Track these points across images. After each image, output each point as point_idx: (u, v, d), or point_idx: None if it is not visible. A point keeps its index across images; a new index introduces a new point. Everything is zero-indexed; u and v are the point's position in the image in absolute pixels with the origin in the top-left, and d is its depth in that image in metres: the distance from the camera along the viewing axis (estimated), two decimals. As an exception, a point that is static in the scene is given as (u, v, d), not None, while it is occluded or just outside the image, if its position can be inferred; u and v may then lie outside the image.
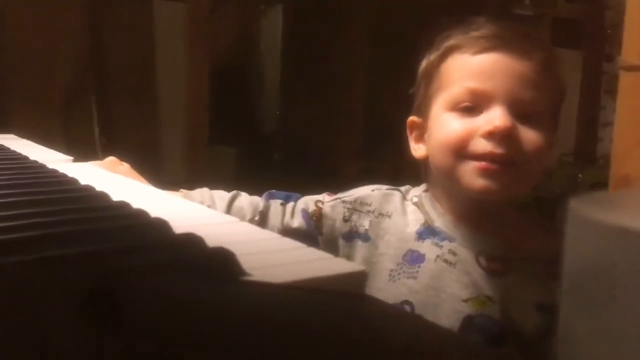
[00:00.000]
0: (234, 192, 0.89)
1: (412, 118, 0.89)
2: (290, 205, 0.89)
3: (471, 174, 0.75)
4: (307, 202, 0.90)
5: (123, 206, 0.52)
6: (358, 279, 0.41)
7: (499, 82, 0.75)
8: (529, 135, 0.75)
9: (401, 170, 3.67)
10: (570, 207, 0.32)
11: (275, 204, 0.88)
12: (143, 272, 0.33)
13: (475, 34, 0.79)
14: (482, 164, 0.74)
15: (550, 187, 4.38)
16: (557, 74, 0.81)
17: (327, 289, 0.38)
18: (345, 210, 0.87)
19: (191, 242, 0.41)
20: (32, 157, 0.90)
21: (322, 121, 3.77)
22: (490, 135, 0.74)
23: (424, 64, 0.86)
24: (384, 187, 0.89)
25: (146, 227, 0.45)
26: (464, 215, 0.82)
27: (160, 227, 0.45)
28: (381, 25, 3.78)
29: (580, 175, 4.00)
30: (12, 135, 1.26)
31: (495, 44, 0.77)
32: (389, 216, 0.85)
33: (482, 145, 0.74)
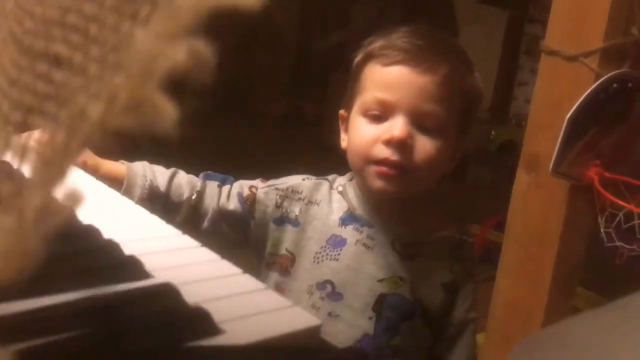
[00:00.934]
0: (173, 169, 0.91)
1: (341, 111, 0.96)
2: (226, 187, 0.95)
3: (372, 176, 0.87)
4: (242, 186, 0.96)
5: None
6: (314, 331, 0.48)
7: (403, 94, 0.85)
8: (424, 145, 0.85)
9: (324, 114, 3.69)
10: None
11: (212, 185, 0.94)
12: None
13: (389, 45, 0.87)
14: (381, 168, 0.86)
15: (464, 142, 4.59)
16: (465, 84, 0.88)
17: (290, 342, 0.45)
18: (278, 197, 0.95)
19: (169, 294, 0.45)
20: None
21: (247, 59, 3.71)
22: (388, 143, 0.85)
23: (353, 63, 0.94)
24: (314, 177, 0.97)
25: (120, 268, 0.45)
26: (379, 205, 0.92)
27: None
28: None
29: (493, 132, 4.18)
30: None
31: (403, 57, 0.85)
32: (317, 204, 0.94)
33: (382, 151, 0.85)
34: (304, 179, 0.97)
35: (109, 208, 0.64)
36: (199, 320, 0.45)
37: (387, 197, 0.90)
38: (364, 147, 0.87)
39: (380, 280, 0.90)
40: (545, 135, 1.35)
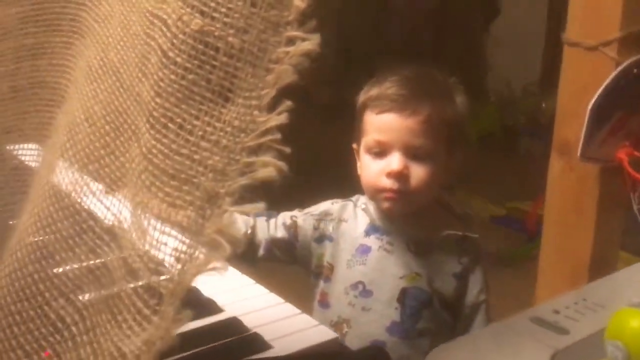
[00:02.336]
0: None
1: (353, 145, 1.16)
2: (272, 220, 1.15)
3: (380, 200, 1.08)
4: (285, 217, 1.16)
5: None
6: (335, 341, 0.68)
7: (395, 135, 1.05)
8: (418, 172, 1.05)
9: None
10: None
11: (261, 220, 1.15)
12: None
13: (380, 95, 1.07)
14: (386, 194, 1.06)
15: (515, 116, 4.57)
16: (446, 115, 1.06)
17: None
18: (314, 221, 1.15)
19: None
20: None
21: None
22: (389, 175, 1.05)
23: (357, 103, 1.14)
24: (340, 200, 1.17)
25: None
26: (395, 217, 1.11)
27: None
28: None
29: (544, 104, 4.16)
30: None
31: (391, 106, 1.05)
32: (346, 221, 1.14)
33: (385, 182, 1.05)
34: (332, 203, 1.17)
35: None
36: (257, 340, 0.66)
37: (395, 214, 1.10)
38: (372, 180, 1.07)
39: (401, 277, 1.08)
40: (573, 121, 1.43)
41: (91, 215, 0.43)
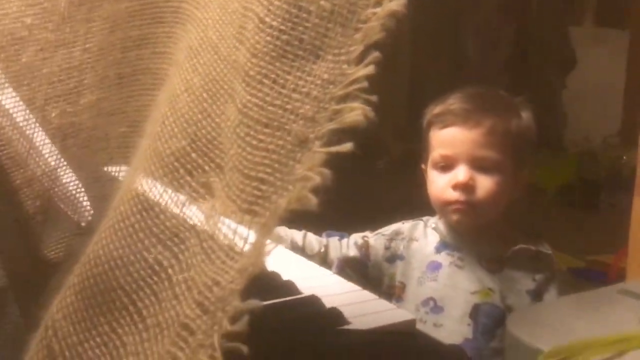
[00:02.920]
0: (303, 231, 1.17)
1: (422, 166, 1.20)
2: (344, 240, 1.19)
3: (449, 213, 1.10)
4: (356, 237, 1.20)
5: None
6: (411, 323, 0.69)
7: (459, 148, 1.08)
8: (484, 183, 1.06)
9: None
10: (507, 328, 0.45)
11: (334, 240, 1.19)
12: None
13: (443, 111, 1.11)
14: (454, 206, 1.08)
15: (595, 169, 4.43)
16: (511, 127, 1.09)
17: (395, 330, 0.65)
18: (385, 241, 1.18)
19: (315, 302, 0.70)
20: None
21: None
22: (455, 187, 1.07)
23: (424, 123, 1.18)
24: (410, 220, 1.20)
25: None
26: (464, 233, 1.13)
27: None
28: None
29: (624, 157, 4.04)
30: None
31: (454, 120, 1.09)
32: (417, 240, 1.16)
33: (452, 195, 1.08)
34: (403, 223, 1.20)
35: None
36: (335, 315, 0.68)
37: (464, 227, 1.11)
38: (439, 193, 1.10)
39: (473, 293, 1.08)
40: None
41: (189, 172, 0.47)
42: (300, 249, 1.12)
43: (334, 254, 1.16)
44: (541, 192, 4.08)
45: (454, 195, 1.07)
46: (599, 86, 4.42)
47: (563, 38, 4.19)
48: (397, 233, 1.17)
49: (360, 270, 1.16)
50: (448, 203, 1.08)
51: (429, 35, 4.05)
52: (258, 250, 0.38)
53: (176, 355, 0.39)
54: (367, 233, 1.20)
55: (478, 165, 1.06)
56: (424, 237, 1.16)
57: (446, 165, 1.09)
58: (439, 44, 4.22)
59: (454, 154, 1.08)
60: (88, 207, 0.64)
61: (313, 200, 0.38)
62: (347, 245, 1.18)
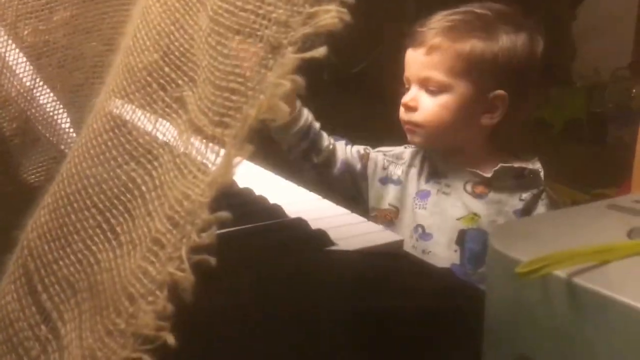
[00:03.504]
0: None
1: None
2: (349, 146, 1.20)
3: (406, 132, 1.12)
4: (358, 147, 1.21)
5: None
6: (398, 244, 0.69)
7: (409, 69, 1.10)
8: (427, 104, 1.07)
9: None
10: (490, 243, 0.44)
11: (341, 142, 1.19)
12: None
13: (409, 32, 1.11)
14: (405, 126, 1.11)
15: (603, 102, 4.37)
16: (462, 52, 1.05)
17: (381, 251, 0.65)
18: (385, 161, 1.18)
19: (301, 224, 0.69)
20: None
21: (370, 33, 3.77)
22: (403, 107, 1.10)
23: None
24: (412, 146, 1.19)
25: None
26: (447, 159, 1.14)
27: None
28: None
29: (634, 90, 3.96)
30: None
31: (410, 41, 1.10)
32: (415, 166, 1.17)
33: (402, 115, 1.11)
34: (405, 147, 1.20)
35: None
36: (321, 237, 0.68)
37: (422, 148, 1.14)
38: (400, 113, 1.12)
39: (459, 219, 1.09)
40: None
41: (162, 86, 0.45)
42: (312, 135, 1.13)
43: (340, 154, 1.17)
44: (549, 127, 4.05)
45: (403, 115, 1.10)
46: (610, 18, 4.30)
47: (574, -35, 4.05)
48: (398, 157, 1.17)
49: (357, 181, 1.17)
50: (402, 123, 1.11)
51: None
52: (228, 162, 0.37)
53: (147, 269, 0.38)
54: (367, 147, 1.20)
55: (424, 86, 1.07)
56: (420, 164, 1.16)
57: (408, 87, 1.11)
58: None
59: (408, 75, 1.10)
60: (69, 131, 0.63)
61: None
62: (352, 151, 1.18)
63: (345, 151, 1.16)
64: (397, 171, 1.16)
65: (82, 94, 0.60)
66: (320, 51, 0.36)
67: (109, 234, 0.42)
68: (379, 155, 1.18)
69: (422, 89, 1.08)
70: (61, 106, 0.60)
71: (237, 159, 0.36)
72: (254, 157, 0.39)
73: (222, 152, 0.38)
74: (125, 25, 0.56)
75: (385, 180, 1.16)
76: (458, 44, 1.05)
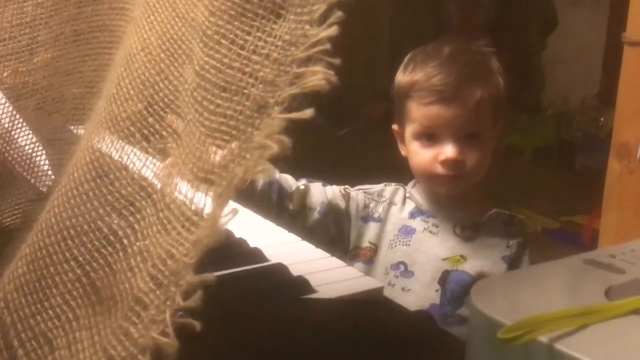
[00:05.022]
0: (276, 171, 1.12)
1: (394, 126, 1.17)
2: (329, 186, 1.17)
3: (437, 183, 1.09)
4: (339, 187, 1.18)
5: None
6: (378, 291, 0.69)
7: (446, 124, 1.05)
8: (473, 155, 1.06)
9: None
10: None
11: (317, 184, 1.15)
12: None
13: (425, 86, 1.07)
14: (443, 180, 1.08)
15: (572, 131, 4.46)
16: (492, 92, 1.06)
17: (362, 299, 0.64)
18: (366, 199, 1.16)
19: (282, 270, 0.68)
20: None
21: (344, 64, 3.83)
22: (444, 163, 1.06)
23: (395, 83, 1.14)
24: (393, 184, 1.18)
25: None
26: (440, 200, 1.12)
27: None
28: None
29: (602, 119, 4.06)
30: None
31: (438, 97, 1.05)
32: (395, 204, 1.15)
33: (441, 170, 1.06)
34: (385, 185, 1.19)
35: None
36: (302, 284, 0.67)
37: (451, 195, 1.11)
38: (426, 167, 1.08)
39: (444, 259, 1.08)
40: (632, 123, 1.39)
41: (145, 137, 0.45)
42: (276, 184, 1.09)
43: (318, 198, 1.13)
44: (519, 154, 4.11)
45: (443, 170, 1.06)
46: (578, 48, 4.41)
47: (544, -4, 4.15)
48: (379, 195, 1.16)
49: (341, 222, 1.15)
50: (437, 177, 1.07)
51: (410, -5, 3.99)
52: (213, 221, 0.36)
53: (128, 331, 0.37)
54: (347, 186, 1.19)
55: (465, 138, 1.05)
56: (402, 202, 1.15)
57: (431, 139, 1.07)
58: (419, 5, 4.17)
59: (440, 130, 1.05)
60: (48, 172, 0.62)
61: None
62: (332, 191, 1.15)
63: (326, 193, 1.14)
64: (378, 209, 1.15)
65: (61, 136, 0.60)
66: (307, 113, 0.37)
67: (88, 288, 0.41)
68: (360, 193, 1.16)
69: (460, 142, 1.05)
70: (40, 147, 0.59)
71: (224, 218, 0.36)
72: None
73: (207, 209, 0.38)
74: (107, 68, 0.55)
75: (367, 219, 1.15)
76: (487, 92, 1.05)
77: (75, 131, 0.59)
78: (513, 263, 1.08)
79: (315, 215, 1.11)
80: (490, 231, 1.09)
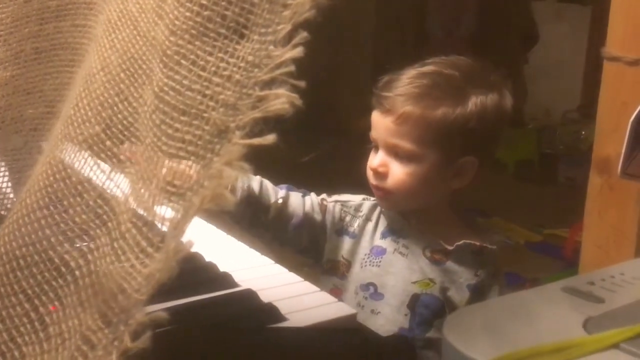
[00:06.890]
0: (259, 177, 1.10)
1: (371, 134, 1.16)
2: (308, 198, 1.13)
3: (374, 193, 1.08)
4: (317, 198, 1.15)
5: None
6: (352, 317, 0.68)
7: (378, 132, 1.05)
8: (396, 171, 1.04)
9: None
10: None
11: (296, 195, 1.12)
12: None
13: (375, 95, 1.07)
14: (373, 188, 1.07)
15: (554, 144, 4.49)
16: (436, 116, 1.02)
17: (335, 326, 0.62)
18: (342, 212, 1.13)
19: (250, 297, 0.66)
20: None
21: (328, 78, 3.83)
22: (370, 170, 1.06)
23: None
24: (371, 198, 1.14)
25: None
26: (409, 220, 1.09)
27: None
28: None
29: (583, 132, 4.09)
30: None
31: (378, 104, 1.05)
32: (371, 220, 1.12)
33: (370, 178, 1.06)
34: (364, 199, 1.15)
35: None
36: (272, 312, 0.65)
37: (389, 211, 1.10)
38: (367, 174, 1.08)
39: (413, 282, 1.05)
40: (613, 138, 1.38)
41: (104, 162, 0.42)
42: (254, 198, 1.06)
43: (295, 209, 1.10)
44: (501, 167, 4.13)
45: (371, 178, 1.06)
46: (560, 62, 4.45)
47: (526, 13, 4.19)
48: (356, 209, 1.13)
49: (316, 235, 1.11)
50: (371, 186, 1.07)
51: (393, 9, 4.01)
52: (168, 254, 0.34)
53: (75, 373, 0.35)
54: (324, 196, 1.16)
55: (393, 152, 1.04)
56: (376, 219, 1.12)
57: (375, 147, 1.07)
58: (402, 18, 4.19)
59: (376, 137, 1.06)
60: (9, 194, 0.59)
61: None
62: (312, 204, 1.12)
63: (304, 205, 1.11)
64: (353, 223, 1.12)
65: (20, 157, 0.57)
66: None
67: (36, 324, 0.39)
68: (337, 206, 1.13)
69: (391, 155, 1.04)
70: (1, 169, 0.57)
71: (179, 250, 0.34)
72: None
73: (163, 241, 0.35)
74: (68, 87, 0.53)
75: (341, 232, 1.12)
76: (428, 112, 1.02)
77: (34, 153, 0.56)
78: (478, 292, 1.05)
79: (291, 227, 1.09)
80: (460, 259, 1.06)
